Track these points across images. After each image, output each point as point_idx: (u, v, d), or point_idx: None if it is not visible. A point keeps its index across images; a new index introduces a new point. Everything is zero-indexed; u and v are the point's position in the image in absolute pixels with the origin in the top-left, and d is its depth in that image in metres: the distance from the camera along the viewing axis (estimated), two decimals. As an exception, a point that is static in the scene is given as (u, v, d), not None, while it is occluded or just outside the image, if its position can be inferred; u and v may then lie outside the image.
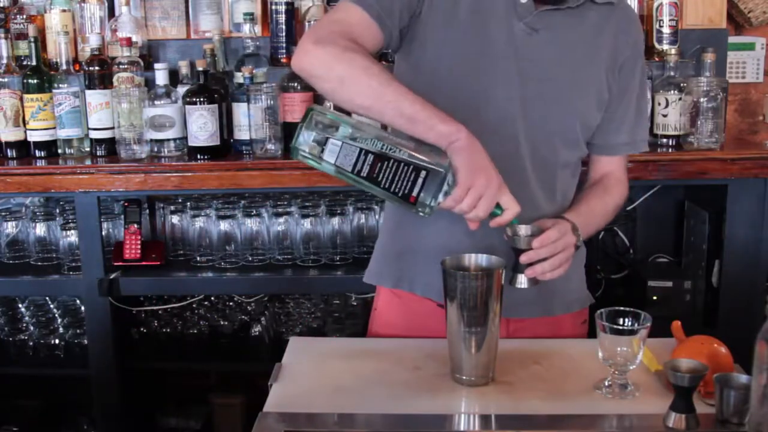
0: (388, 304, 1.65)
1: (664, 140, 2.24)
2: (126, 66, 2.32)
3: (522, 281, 1.41)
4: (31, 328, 2.49)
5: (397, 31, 1.47)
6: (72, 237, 2.36)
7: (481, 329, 1.33)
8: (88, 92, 2.31)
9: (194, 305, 2.50)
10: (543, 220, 1.47)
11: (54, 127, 2.34)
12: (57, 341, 2.48)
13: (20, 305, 2.51)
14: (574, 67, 1.52)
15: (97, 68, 2.30)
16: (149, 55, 2.49)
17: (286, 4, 2.37)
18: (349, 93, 1.38)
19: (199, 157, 2.23)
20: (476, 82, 1.49)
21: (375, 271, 1.66)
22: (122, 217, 2.35)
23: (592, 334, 1.34)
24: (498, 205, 1.35)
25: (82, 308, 2.41)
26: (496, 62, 1.49)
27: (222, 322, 2.51)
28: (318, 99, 2.25)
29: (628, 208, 2.54)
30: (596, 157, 1.65)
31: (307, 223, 2.35)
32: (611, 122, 1.58)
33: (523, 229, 1.41)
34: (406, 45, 1.51)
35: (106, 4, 2.49)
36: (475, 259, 1.40)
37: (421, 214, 1.34)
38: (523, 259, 1.40)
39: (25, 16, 2.45)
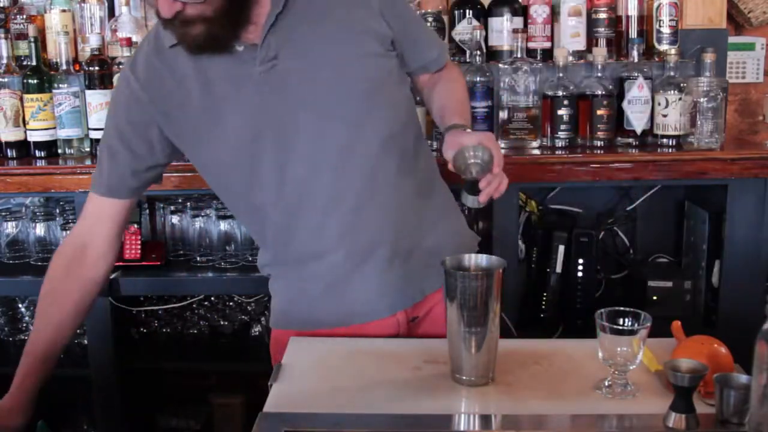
0: None
1: (664, 140, 2.24)
2: (126, 66, 2.32)
3: (474, 202, 1.46)
4: (31, 328, 2.49)
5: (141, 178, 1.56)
6: (72, 237, 2.35)
7: (481, 329, 1.33)
8: (88, 92, 2.31)
9: (194, 305, 2.50)
10: (458, 132, 1.46)
11: (54, 127, 2.34)
12: (57, 341, 2.47)
13: (20, 305, 2.51)
14: (331, 62, 1.46)
15: (97, 68, 2.30)
16: (149, 55, 2.49)
17: (286, 4, 2.37)
18: None
19: (199, 157, 2.23)
20: (251, 158, 1.47)
21: None
22: (122, 217, 2.35)
23: (591, 333, 1.34)
24: None
25: (82, 308, 2.41)
26: (258, 125, 1.45)
27: (222, 322, 2.51)
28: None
29: (628, 209, 2.54)
30: (418, 77, 1.67)
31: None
32: (414, 51, 1.59)
33: (472, 153, 1.41)
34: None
35: (106, 4, 2.49)
36: (475, 260, 1.40)
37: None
38: (483, 185, 1.43)
39: (25, 16, 2.45)
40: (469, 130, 1.48)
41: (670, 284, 2.32)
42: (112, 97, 1.60)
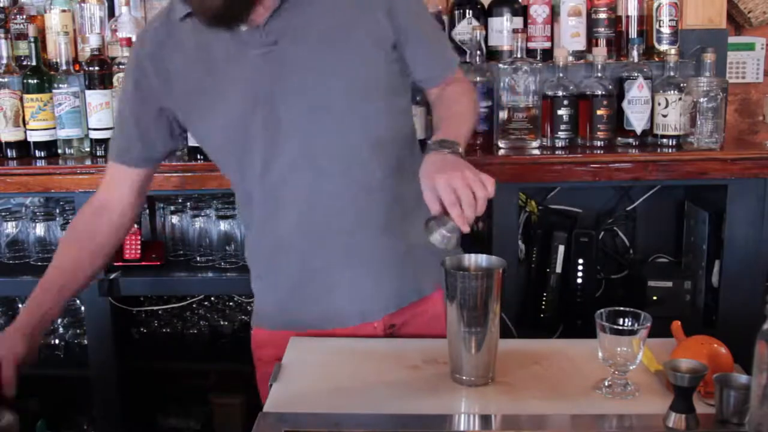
0: None
1: (664, 140, 2.24)
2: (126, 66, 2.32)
3: (443, 240, 1.32)
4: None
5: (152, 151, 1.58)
6: (72, 237, 2.35)
7: (481, 329, 1.33)
8: (88, 92, 2.31)
9: (194, 305, 2.50)
10: (434, 160, 1.37)
11: (54, 128, 2.34)
12: (57, 341, 2.48)
13: (20, 305, 2.51)
14: (328, 55, 1.45)
15: (97, 68, 2.30)
16: (149, 55, 2.49)
17: (286, 4, 2.37)
18: None
19: (199, 157, 2.23)
20: (243, 141, 1.48)
21: None
22: (122, 217, 2.34)
23: (591, 333, 1.34)
24: None
25: (82, 308, 2.41)
26: (251, 108, 1.46)
27: (222, 322, 2.51)
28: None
29: (628, 209, 2.54)
30: (427, 90, 1.63)
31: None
32: (416, 61, 1.54)
33: (438, 231, 1.32)
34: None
35: (106, 4, 2.49)
36: (475, 260, 1.40)
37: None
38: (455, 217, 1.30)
39: (25, 16, 2.45)
40: (447, 155, 1.38)
41: (670, 284, 2.32)
42: (125, 67, 1.63)
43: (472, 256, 1.40)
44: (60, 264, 1.58)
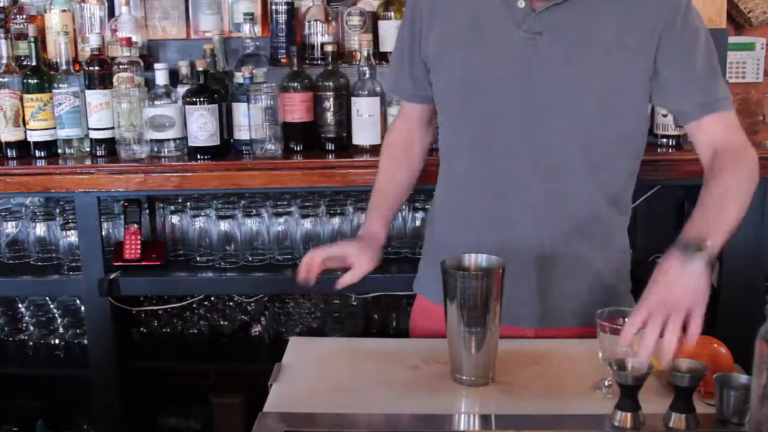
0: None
1: (664, 140, 2.24)
2: (126, 66, 2.32)
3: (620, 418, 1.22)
4: (31, 328, 2.49)
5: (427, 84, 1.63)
6: (72, 237, 2.35)
7: (481, 329, 1.33)
8: (88, 92, 2.31)
9: (194, 305, 2.50)
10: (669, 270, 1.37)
11: (54, 127, 2.34)
12: (57, 341, 2.48)
13: (20, 305, 2.51)
14: (589, 59, 1.46)
15: (97, 68, 2.30)
16: (149, 55, 2.49)
17: (286, 4, 2.37)
18: None
19: (199, 157, 2.23)
20: (483, 101, 1.51)
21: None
22: (122, 217, 2.35)
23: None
24: None
25: (82, 308, 2.41)
26: (500, 77, 1.49)
27: (222, 322, 2.51)
28: (317, 100, 2.25)
29: (628, 208, 2.54)
30: (688, 130, 1.53)
31: (307, 223, 2.35)
32: (674, 88, 1.48)
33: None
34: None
35: (106, 4, 2.49)
36: (475, 259, 1.40)
37: None
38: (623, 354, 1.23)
39: (25, 16, 2.45)
40: (688, 266, 1.36)
41: (670, 284, 2.32)
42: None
43: (472, 255, 1.40)
44: (390, 189, 1.76)
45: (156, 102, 2.27)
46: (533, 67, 1.47)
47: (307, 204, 2.37)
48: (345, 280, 1.62)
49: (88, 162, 2.29)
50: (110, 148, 2.31)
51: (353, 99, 2.24)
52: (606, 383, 1.33)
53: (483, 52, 1.51)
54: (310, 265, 1.60)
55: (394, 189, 1.76)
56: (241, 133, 2.27)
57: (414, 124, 1.74)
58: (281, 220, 2.36)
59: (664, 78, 1.48)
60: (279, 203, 2.38)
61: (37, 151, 2.34)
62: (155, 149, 2.28)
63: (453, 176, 1.63)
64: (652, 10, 1.46)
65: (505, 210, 1.54)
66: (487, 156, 1.54)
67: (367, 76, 2.22)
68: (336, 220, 2.35)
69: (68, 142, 2.36)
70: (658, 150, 2.23)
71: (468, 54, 1.52)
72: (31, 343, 2.48)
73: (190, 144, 2.24)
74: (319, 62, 2.36)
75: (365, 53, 2.22)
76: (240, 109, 2.26)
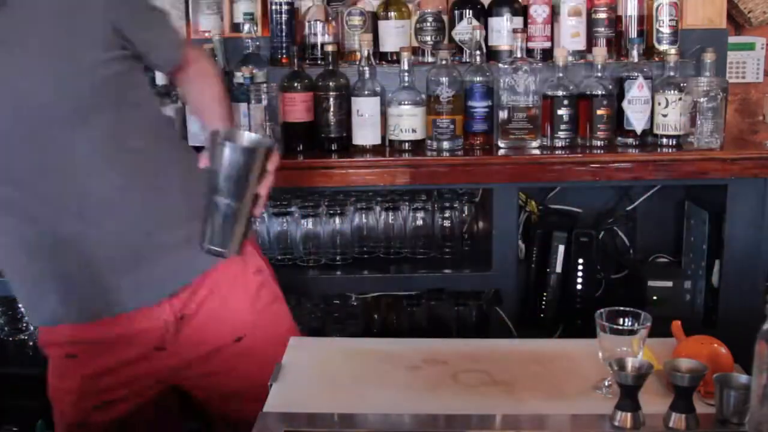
0: None
1: (664, 140, 2.24)
2: (126, 66, 2.32)
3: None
4: (31, 328, 2.49)
5: None
6: (72, 237, 2.35)
7: (236, 203, 1.38)
8: (88, 92, 2.30)
9: (194, 305, 2.49)
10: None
11: (54, 127, 2.33)
12: (57, 341, 2.47)
13: (20, 305, 2.51)
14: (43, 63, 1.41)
15: (97, 68, 2.30)
16: (149, 55, 2.49)
17: (286, 4, 2.37)
18: None
19: (199, 157, 2.23)
20: None
21: None
22: (122, 217, 2.34)
23: (591, 333, 1.34)
24: None
25: (82, 308, 2.40)
26: None
27: (222, 322, 2.50)
28: (318, 100, 2.26)
29: (628, 209, 2.54)
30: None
31: (307, 223, 2.35)
32: (146, 53, 1.55)
33: None
34: None
35: (106, 4, 2.48)
36: (248, 137, 1.43)
37: None
38: None
39: (25, 16, 2.44)
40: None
41: (670, 284, 2.32)
42: None
43: (246, 133, 1.44)
44: None
45: (156, 102, 2.26)
46: None
47: (307, 204, 2.37)
48: None
49: (88, 162, 2.29)
50: (110, 148, 2.31)
51: (353, 99, 2.24)
52: (606, 383, 1.33)
53: None
54: None
55: None
56: (241, 133, 2.27)
57: None
58: (281, 220, 2.36)
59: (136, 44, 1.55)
60: (280, 203, 2.38)
61: (37, 151, 2.34)
62: (155, 149, 2.28)
63: None
64: None
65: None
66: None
67: (367, 76, 2.22)
68: (336, 220, 2.35)
69: (68, 142, 2.35)
70: (658, 150, 2.23)
71: None
72: (31, 343, 2.48)
73: (190, 144, 2.24)
74: (319, 62, 2.36)
75: (365, 53, 2.22)
76: (240, 109, 2.25)
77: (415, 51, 2.33)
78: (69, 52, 1.42)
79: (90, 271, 1.51)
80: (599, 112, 2.25)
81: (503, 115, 2.28)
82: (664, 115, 2.23)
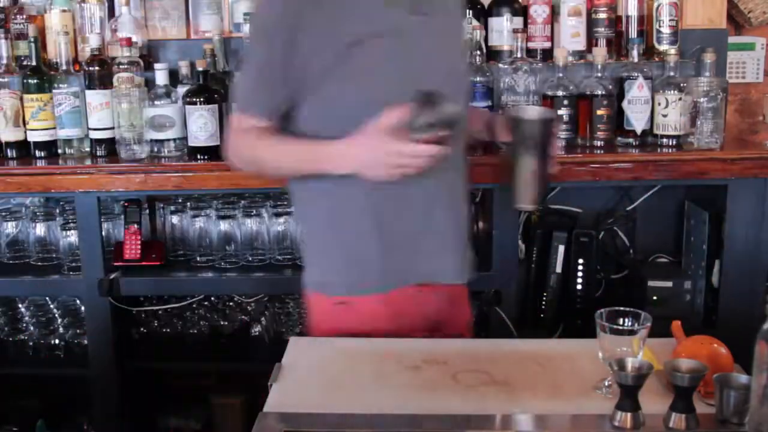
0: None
1: (664, 140, 2.24)
2: (126, 66, 2.32)
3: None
4: (31, 328, 2.49)
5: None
6: (72, 237, 2.35)
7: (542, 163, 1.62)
8: (88, 92, 2.31)
9: (194, 305, 2.50)
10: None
11: (54, 127, 2.34)
12: (57, 341, 2.48)
13: (20, 305, 2.51)
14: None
15: (97, 68, 2.30)
16: (149, 55, 2.49)
17: (286, 4, 2.36)
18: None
19: (199, 157, 2.23)
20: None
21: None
22: (122, 217, 2.35)
23: (591, 333, 1.34)
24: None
25: (82, 308, 2.41)
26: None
27: (222, 322, 2.51)
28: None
29: (628, 209, 2.54)
30: None
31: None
32: None
33: None
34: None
35: (106, 4, 2.49)
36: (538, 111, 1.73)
37: None
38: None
39: (25, 16, 2.45)
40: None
41: (670, 284, 2.32)
42: None
43: (533, 107, 1.80)
44: None
45: (156, 102, 2.27)
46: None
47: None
48: None
49: (88, 162, 2.29)
50: (110, 148, 2.31)
51: (353, 99, 2.24)
52: (606, 383, 1.33)
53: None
54: None
55: None
56: (241, 133, 2.27)
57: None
58: (281, 220, 2.37)
59: None
60: (279, 203, 2.38)
61: (37, 152, 2.34)
62: (155, 149, 2.28)
63: None
64: None
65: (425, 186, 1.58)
66: None
67: (367, 76, 2.22)
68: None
69: (68, 142, 2.36)
70: (658, 150, 2.23)
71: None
72: (31, 343, 2.48)
73: (190, 144, 2.24)
74: (319, 62, 2.36)
75: (365, 53, 2.22)
76: (240, 109, 2.25)
77: (415, 51, 2.33)
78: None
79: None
80: (599, 112, 2.25)
81: (503, 115, 2.28)
82: (664, 116, 2.23)
